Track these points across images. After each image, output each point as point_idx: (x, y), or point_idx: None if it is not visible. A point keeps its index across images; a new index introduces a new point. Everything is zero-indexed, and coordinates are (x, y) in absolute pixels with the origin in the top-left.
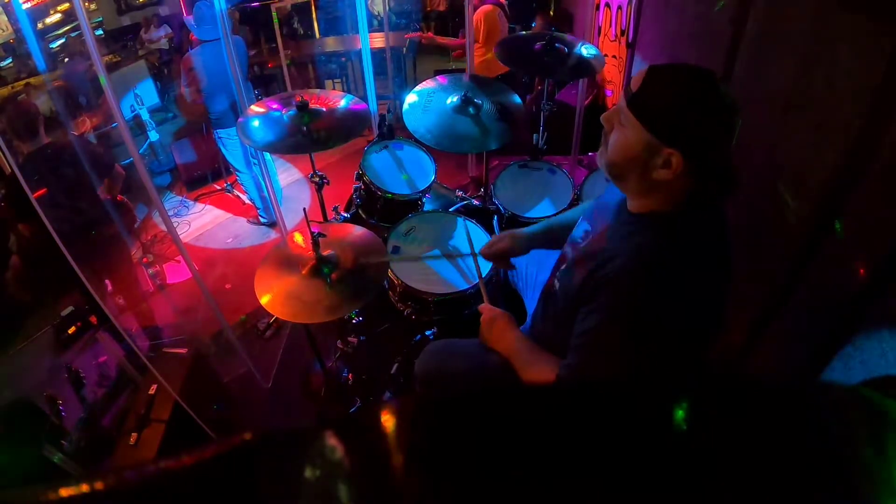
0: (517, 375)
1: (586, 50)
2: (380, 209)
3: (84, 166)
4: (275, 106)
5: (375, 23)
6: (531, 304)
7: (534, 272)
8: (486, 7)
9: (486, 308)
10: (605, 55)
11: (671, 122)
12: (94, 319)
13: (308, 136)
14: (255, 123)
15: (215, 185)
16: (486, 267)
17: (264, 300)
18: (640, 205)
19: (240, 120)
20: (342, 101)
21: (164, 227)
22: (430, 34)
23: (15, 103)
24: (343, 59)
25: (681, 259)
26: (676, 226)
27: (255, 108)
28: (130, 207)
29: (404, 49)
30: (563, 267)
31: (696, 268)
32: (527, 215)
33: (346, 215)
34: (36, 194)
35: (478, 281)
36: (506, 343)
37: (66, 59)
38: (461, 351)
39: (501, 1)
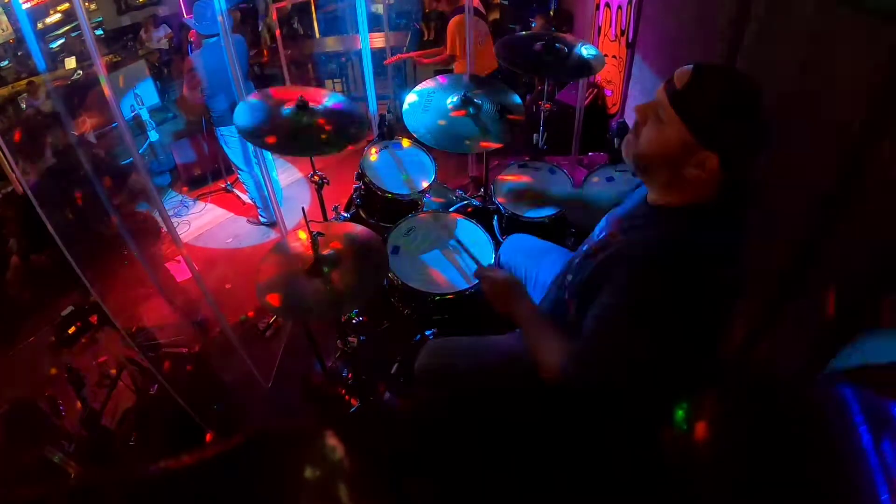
0: (516, 374)
1: (586, 50)
2: (380, 209)
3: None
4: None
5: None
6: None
7: (533, 272)
8: (457, 17)
9: (492, 269)
10: (605, 55)
11: (715, 125)
12: (94, 319)
13: (306, 138)
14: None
15: (215, 185)
16: (486, 259)
17: (264, 300)
18: (662, 199)
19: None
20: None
21: (164, 227)
22: (412, 54)
23: (23, 123)
24: (343, 59)
25: (694, 253)
26: (695, 221)
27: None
28: (153, 219)
29: (405, 49)
30: (576, 261)
31: (707, 265)
32: (527, 215)
33: (346, 215)
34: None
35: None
36: (520, 310)
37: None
38: (461, 349)
39: (474, 3)
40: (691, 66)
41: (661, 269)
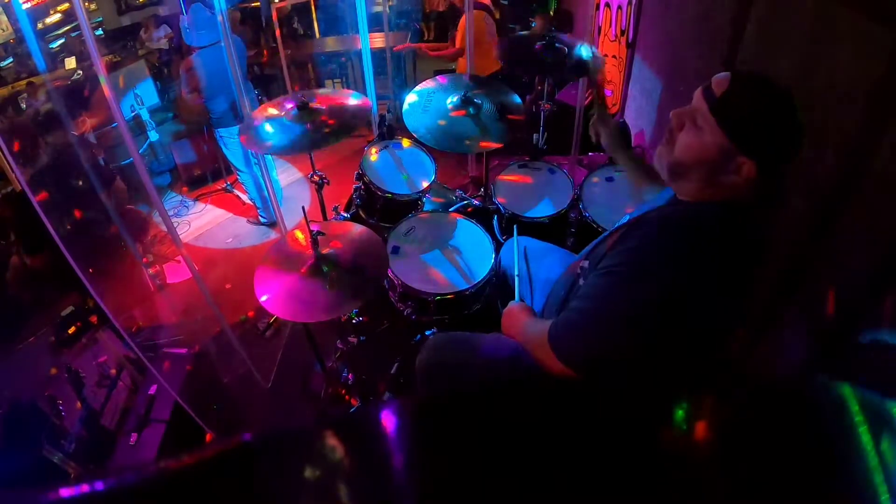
0: (517, 369)
1: (585, 51)
2: (380, 209)
3: (90, 178)
4: (290, 106)
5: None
6: (537, 300)
7: (533, 269)
8: (472, 12)
9: (510, 304)
10: (605, 55)
11: (755, 132)
12: (94, 319)
13: (312, 134)
14: (269, 129)
15: (215, 185)
16: (485, 266)
17: (264, 300)
18: (692, 197)
19: (248, 124)
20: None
21: (164, 227)
22: (421, 45)
23: (15, 126)
24: (343, 59)
25: (707, 244)
26: (716, 215)
27: (269, 111)
28: (140, 214)
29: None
30: (592, 248)
31: (719, 257)
32: (527, 215)
33: (345, 215)
34: (38, 198)
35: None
36: (517, 325)
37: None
38: (462, 344)
39: (485, 2)
40: (728, 74)
41: (672, 242)
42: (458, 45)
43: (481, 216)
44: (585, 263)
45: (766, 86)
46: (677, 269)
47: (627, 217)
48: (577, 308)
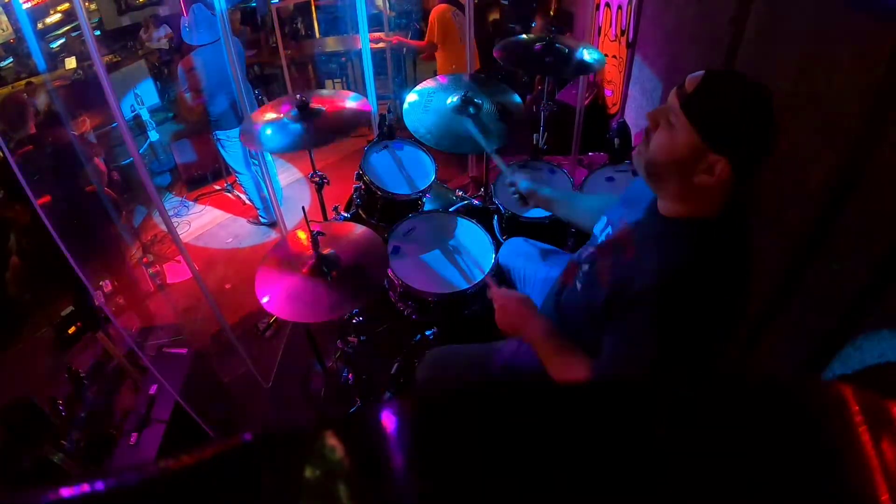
0: (520, 379)
1: (588, 54)
2: (380, 209)
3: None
4: (286, 109)
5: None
6: (535, 301)
7: (532, 273)
8: (440, 6)
9: (500, 293)
10: (605, 55)
11: (726, 129)
12: (94, 319)
13: (311, 133)
14: (269, 132)
15: (215, 186)
16: (487, 263)
17: (264, 300)
18: (673, 209)
19: (251, 126)
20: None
21: (164, 227)
22: (397, 37)
23: (9, 97)
24: (343, 59)
25: (711, 269)
26: (708, 234)
27: (268, 115)
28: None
29: (404, 49)
30: (585, 268)
31: (724, 277)
32: (527, 215)
33: (346, 215)
34: (40, 201)
35: (483, 276)
36: (532, 330)
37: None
38: (463, 358)
39: None
40: (703, 72)
41: (684, 294)
42: (427, 37)
43: (481, 216)
44: (579, 285)
45: (737, 82)
46: (698, 319)
47: (604, 222)
48: (616, 371)
